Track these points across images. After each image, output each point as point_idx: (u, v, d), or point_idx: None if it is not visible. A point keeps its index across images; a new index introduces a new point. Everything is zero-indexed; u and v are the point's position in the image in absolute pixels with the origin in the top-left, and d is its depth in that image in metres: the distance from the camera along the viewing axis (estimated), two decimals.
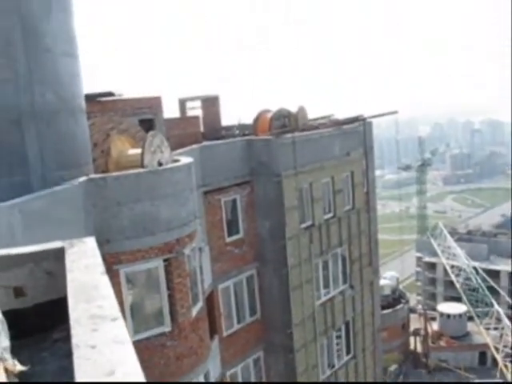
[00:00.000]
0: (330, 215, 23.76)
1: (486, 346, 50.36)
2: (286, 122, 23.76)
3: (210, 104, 26.19)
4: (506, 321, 45.75)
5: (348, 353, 26.22)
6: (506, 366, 44.99)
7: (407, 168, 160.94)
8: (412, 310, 64.90)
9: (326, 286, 24.08)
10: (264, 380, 22.47)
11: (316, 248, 22.60)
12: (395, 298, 58.25)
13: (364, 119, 25.89)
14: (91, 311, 2.81)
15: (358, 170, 25.35)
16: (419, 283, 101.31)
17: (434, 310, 64.89)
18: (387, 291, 56.85)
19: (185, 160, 14.39)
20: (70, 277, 3.41)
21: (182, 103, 26.64)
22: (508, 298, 57.89)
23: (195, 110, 26.64)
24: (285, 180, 20.57)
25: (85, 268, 3.57)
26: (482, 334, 50.44)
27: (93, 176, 12.27)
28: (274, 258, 21.22)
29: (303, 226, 22.06)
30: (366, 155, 26.01)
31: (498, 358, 45.51)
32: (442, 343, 59.23)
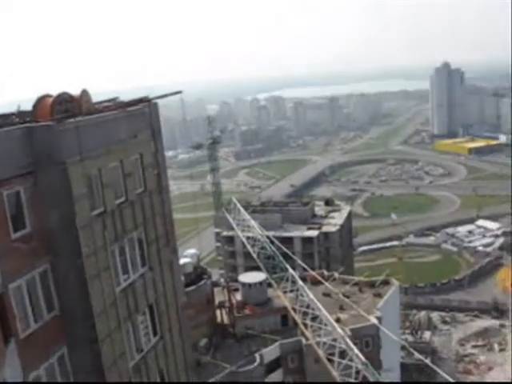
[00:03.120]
0: (122, 199, 23.33)
1: (285, 308, 53.53)
2: (68, 107, 22.69)
3: None
4: (300, 282, 48.95)
5: (155, 334, 26.20)
6: (304, 325, 48.15)
7: (199, 147, 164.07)
8: (216, 284, 66.70)
9: (125, 271, 23.72)
10: (71, 378, 21.58)
11: (111, 234, 22.09)
12: (198, 275, 59.43)
13: (149, 100, 25.69)
14: None
15: (148, 152, 25.18)
16: (220, 257, 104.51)
17: (236, 281, 67.33)
18: (189, 269, 57.77)
19: None
20: None
21: None
22: (301, 262, 61.96)
23: None
24: (71, 167, 19.70)
25: None
26: (280, 297, 53.51)
27: None
28: (67, 250, 20.30)
29: (95, 213, 21.39)
30: (154, 136, 25.87)
31: (297, 317, 48.66)
32: (247, 311, 61.81)
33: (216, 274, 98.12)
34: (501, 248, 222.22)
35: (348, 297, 61.21)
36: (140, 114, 24.89)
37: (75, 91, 23.41)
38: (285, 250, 57.15)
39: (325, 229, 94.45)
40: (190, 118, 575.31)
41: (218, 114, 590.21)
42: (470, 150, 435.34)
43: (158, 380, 26.10)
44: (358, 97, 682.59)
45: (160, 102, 26.68)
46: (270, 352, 54.81)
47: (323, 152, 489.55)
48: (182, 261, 55.30)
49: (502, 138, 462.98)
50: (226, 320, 61.85)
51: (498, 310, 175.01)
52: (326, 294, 61.50)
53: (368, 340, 56.27)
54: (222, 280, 73.25)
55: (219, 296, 62.81)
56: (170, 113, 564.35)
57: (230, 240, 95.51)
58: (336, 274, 68.09)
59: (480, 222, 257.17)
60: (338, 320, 54.41)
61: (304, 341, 53.31)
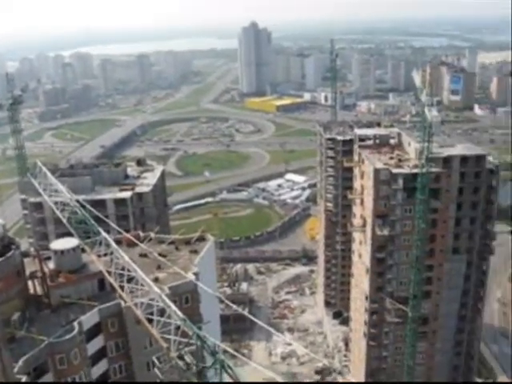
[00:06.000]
0: None
1: (101, 273, 52.31)
2: None
3: None
4: (113, 245, 48.00)
5: None
6: (121, 287, 47.52)
7: None
8: (25, 254, 63.01)
9: None
10: None
11: None
12: (5, 246, 55.63)
13: None
14: None
15: None
16: (28, 225, 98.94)
17: (48, 249, 64.28)
18: None
19: None
20: None
21: None
22: (113, 224, 60.76)
23: None
24: None
25: None
26: (95, 262, 52.15)
27: None
28: None
29: None
30: None
31: (113, 280, 47.82)
32: (61, 279, 59.34)
33: (25, 243, 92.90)
34: (307, 199, 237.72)
35: (165, 256, 61.23)
36: None
37: None
38: (96, 213, 55.53)
39: (138, 189, 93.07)
40: None
41: (19, 71, 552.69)
42: (278, 108, 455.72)
43: None
44: (167, 54, 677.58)
45: None
46: (89, 318, 53.34)
47: (134, 111, 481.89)
48: None
49: (307, 96, 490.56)
50: (39, 291, 58.92)
51: (307, 257, 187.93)
52: (143, 255, 61.02)
53: (187, 296, 56.94)
54: (32, 249, 69.42)
55: (30, 266, 59.45)
56: None
57: (39, 206, 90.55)
58: (152, 234, 67.67)
59: (288, 176, 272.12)
60: (156, 279, 54.40)
61: (123, 303, 52.60)
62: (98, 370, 54.80)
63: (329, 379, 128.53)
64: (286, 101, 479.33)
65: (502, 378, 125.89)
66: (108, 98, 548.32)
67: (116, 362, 56.11)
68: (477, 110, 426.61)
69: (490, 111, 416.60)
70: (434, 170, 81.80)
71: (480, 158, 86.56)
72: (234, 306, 57.17)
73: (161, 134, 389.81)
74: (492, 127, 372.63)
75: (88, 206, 54.40)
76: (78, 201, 53.36)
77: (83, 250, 56.74)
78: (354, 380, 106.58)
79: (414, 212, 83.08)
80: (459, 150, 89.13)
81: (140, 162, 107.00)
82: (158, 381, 39.48)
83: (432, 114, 78.62)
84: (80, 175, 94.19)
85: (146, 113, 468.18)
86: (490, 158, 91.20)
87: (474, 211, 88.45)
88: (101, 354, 55.19)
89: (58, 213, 53.48)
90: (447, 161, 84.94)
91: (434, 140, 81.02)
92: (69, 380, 50.60)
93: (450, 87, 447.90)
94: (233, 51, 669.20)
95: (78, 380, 51.01)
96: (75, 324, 51.27)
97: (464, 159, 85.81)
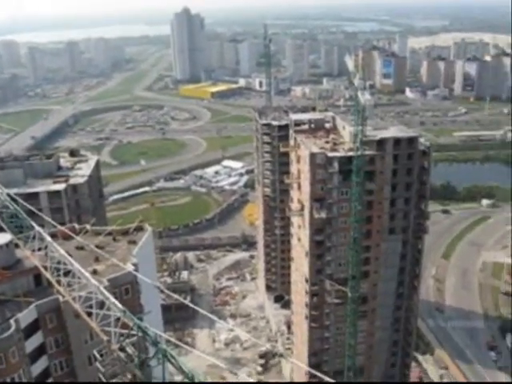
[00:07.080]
0: None
1: (37, 268, 50.87)
2: None
3: None
4: (48, 239, 46.74)
5: None
6: (58, 282, 46.35)
7: None
8: None
9: None
10: None
11: None
12: None
13: None
14: None
15: None
16: None
17: None
18: None
19: None
20: None
21: None
22: (47, 217, 59.11)
23: None
24: None
25: None
26: (30, 257, 50.64)
27: None
28: None
29: None
30: None
31: (49, 275, 46.59)
32: None
33: None
34: (245, 185, 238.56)
35: (102, 247, 60.05)
36: None
37: None
38: (29, 206, 53.94)
39: (72, 181, 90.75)
40: None
41: None
42: (213, 94, 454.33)
43: None
44: (98, 42, 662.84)
45: None
46: (26, 315, 51.81)
47: (65, 101, 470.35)
48: None
49: (241, 82, 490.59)
50: None
51: (247, 243, 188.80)
52: (80, 248, 59.59)
53: (127, 287, 56.09)
54: None
55: None
56: None
57: None
58: (88, 226, 66.13)
59: (225, 163, 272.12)
60: (94, 272, 53.27)
61: (61, 298, 51.36)
62: (37, 368, 53.50)
63: (272, 363, 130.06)
64: (221, 87, 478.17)
65: (439, 351, 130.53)
66: (37, 87, 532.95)
67: (56, 358, 54.88)
68: (408, 93, 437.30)
69: (421, 94, 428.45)
70: (368, 152, 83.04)
71: (412, 140, 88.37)
72: (175, 296, 56.61)
73: (94, 123, 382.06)
74: (422, 110, 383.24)
75: (20, 200, 52.76)
76: (8, 194, 51.65)
77: (17, 246, 55.03)
78: (296, 361, 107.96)
79: (351, 194, 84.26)
80: (392, 132, 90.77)
81: (73, 153, 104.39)
82: (99, 375, 38.76)
83: (365, 97, 79.93)
84: (10, 168, 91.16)
85: (78, 102, 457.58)
86: (422, 140, 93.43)
87: (407, 192, 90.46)
88: (40, 350, 53.84)
89: None
90: (381, 143, 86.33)
91: (368, 123, 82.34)
92: (8, 379, 49.19)
93: (382, 71, 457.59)
94: (166, 38, 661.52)
95: (17, 379, 49.63)
96: (12, 322, 49.76)
97: (397, 141, 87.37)
